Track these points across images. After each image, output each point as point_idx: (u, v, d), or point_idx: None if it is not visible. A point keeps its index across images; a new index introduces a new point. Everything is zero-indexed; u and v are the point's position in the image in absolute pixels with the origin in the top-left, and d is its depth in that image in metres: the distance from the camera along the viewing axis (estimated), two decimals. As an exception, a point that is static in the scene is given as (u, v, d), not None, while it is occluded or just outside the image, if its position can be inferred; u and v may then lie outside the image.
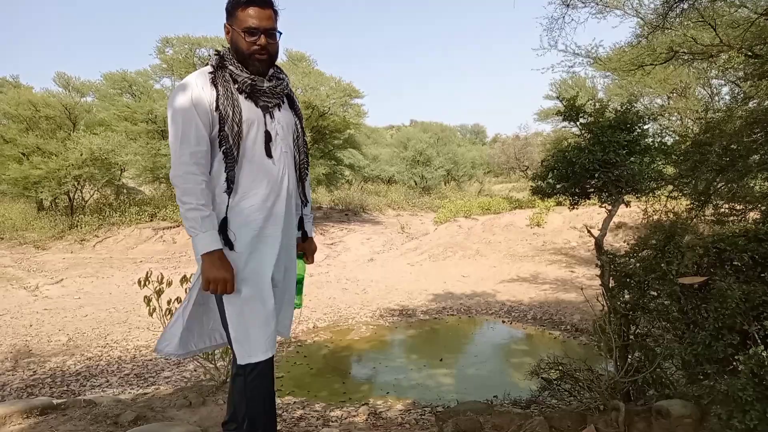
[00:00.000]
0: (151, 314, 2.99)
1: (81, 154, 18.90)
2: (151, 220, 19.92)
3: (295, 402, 6.53)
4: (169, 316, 3.00)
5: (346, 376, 7.83)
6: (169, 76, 20.37)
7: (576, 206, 4.54)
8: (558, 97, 16.33)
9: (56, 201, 21.44)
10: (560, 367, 3.97)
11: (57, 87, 22.80)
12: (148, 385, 7.25)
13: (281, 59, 17.22)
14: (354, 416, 6.08)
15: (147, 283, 2.98)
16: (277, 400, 5.85)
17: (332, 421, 5.93)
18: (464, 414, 2.68)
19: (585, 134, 4.20)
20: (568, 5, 7.05)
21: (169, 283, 3.12)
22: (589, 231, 3.81)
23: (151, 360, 8.23)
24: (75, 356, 8.40)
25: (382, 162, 33.03)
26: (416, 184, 31.15)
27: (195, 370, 7.58)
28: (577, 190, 4.29)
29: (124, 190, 24.75)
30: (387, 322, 10.40)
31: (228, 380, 3.03)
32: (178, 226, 19.17)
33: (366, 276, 14.50)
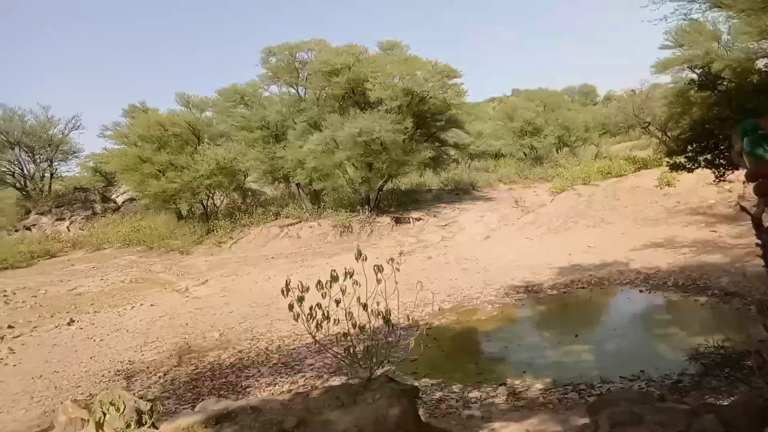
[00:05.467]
0: (296, 320, 3.27)
1: (209, 165, 20.64)
2: (276, 218, 21.33)
3: (432, 384, 6.73)
4: (312, 320, 3.27)
5: (478, 357, 7.90)
6: (276, 82, 21.51)
7: (723, 179, 4.18)
8: (677, 45, 14.92)
9: (192, 210, 23.65)
10: (722, 351, 3.65)
11: (178, 106, 25.04)
12: (294, 373, 7.83)
13: (372, 50, 17.24)
14: (493, 397, 6.14)
15: (288, 291, 3.26)
16: (415, 383, 6.11)
17: (472, 403, 6.04)
18: (619, 404, 2.58)
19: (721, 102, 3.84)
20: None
21: (307, 289, 3.38)
22: (743, 208, 3.49)
23: (294, 349, 8.86)
24: (228, 350, 9.25)
25: (486, 137, 32.30)
26: (526, 155, 30.10)
27: (335, 357, 8.05)
28: (722, 162, 3.96)
29: (249, 193, 26.66)
30: (513, 300, 10.27)
31: (372, 378, 3.24)
32: (299, 222, 20.34)
33: (485, 254, 14.40)
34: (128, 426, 3.27)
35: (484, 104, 43.37)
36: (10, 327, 11.87)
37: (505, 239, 16.19)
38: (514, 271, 12.28)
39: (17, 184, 29.41)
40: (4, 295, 14.41)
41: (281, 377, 7.71)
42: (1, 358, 9.95)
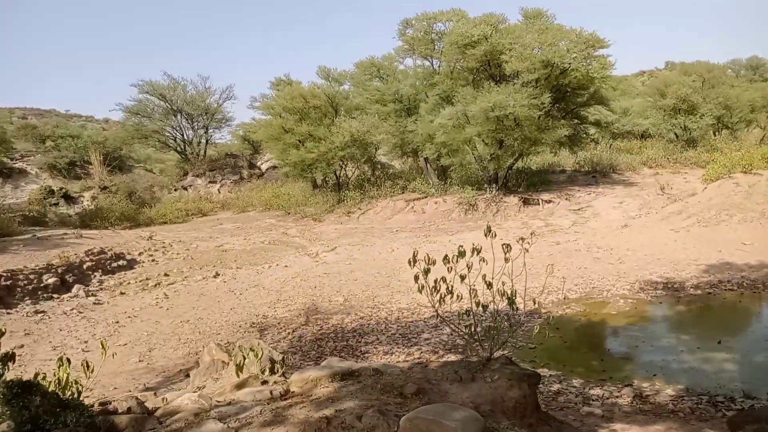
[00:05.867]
0: (420, 291, 3.31)
1: (343, 137, 21.45)
2: (402, 192, 21.69)
3: (551, 375, 6.49)
4: (436, 294, 3.29)
5: (604, 353, 7.45)
6: (411, 55, 21.56)
7: None
8: None
9: (326, 179, 24.87)
10: None
11: (319, 79, 26.22)
12: (410, 345, 8.00)
13: (515, 19, 16.37)
14: (617, 397, 5.76)
15: (415, 262, 3.30)
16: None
17: (593, 400, 5.73)
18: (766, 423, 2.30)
19: None
20: None
21: (433, 262, 3.39)
22: None
23: (412, 322, 9.05)
24: (350, 315, 9.68)
25: (633, 115, 29.74)
26: (677, 136, 27.29)
27: (450, 334, 8.10)
28: None
29: (379, 166, 27.36)
30: (648, 296, 9.50)
31: (492, 358, 3.20)
32: (425, 197, 20.49)
33: (620, 244, 13.44)
34: (263, 372, 3.57)
35: (633, 78, 39.95)
36: (166, 275, 13.47)
37: (645, 229, 14.95)
38: (653, 264, 11.32)
39: (178, 148, 33.06)
40: (163, 246, 16.33)
41: (398, 347, 7.91)
42: (158, 302, 11.35)
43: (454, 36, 18.32)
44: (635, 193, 18.93)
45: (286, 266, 13.88)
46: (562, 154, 24.08)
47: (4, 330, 3.81)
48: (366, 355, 7.70)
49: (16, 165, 28.28)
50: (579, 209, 17.90)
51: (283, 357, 4.10)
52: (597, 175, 22.08)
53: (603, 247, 13.24)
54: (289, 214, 22.51)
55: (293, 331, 8.97)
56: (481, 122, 17.35)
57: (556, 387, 6.09)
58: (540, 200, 18.78)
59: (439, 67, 20.86)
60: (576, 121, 20.54)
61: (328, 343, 8.29)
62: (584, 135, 21.59)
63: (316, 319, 9.54)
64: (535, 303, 3.69)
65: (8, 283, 11.40)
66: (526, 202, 18.84)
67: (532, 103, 16.69)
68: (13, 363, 3.50)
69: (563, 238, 14.69)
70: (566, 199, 18.82)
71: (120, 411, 2.93)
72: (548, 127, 17.96)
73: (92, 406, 3.08)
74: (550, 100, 17.46)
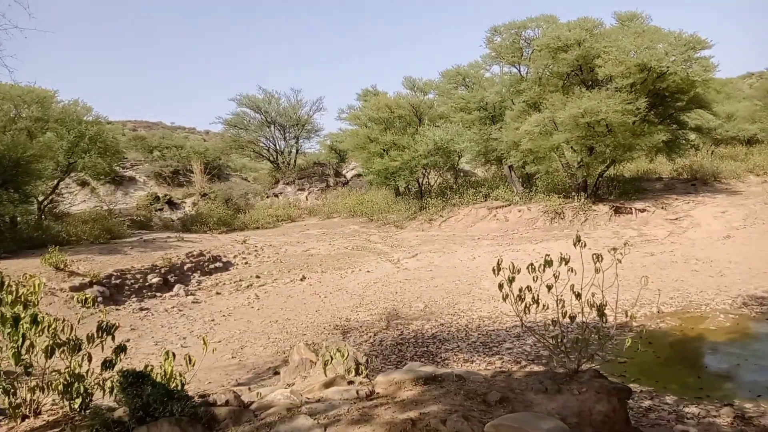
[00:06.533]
0: (504, 299, 3.30)
1: (427, 146, 21.57)
2: (485, 200, 21.41)
3: (641, 391, 6.16)
4: (521, 303, 3.26)
5: (700, 370, 6.95)
6: (498, 62, 21.32)
7: None
8: None
9: (408, 187, 25.08)
10: None
11: (405, 89, 26.56)
12: (491, 354, 7.88)
13: (609, 23, 15.76)
14: (714, 416, 5.37)
15: (499, 270, 3.30)
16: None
17: (687, 418, 5.38)
18: None
19: None
20: None
21: (518, 271, 3.37)
22: None
23: (493, 331, 8.90)
24: (430, 321, 9.67)
25: (738, 120, 27.57)
26: (790, 142, 25.04)
27: (534, 345, 7.90)
28: None
29: (461, 174, 27.20)
30: (753, 312, 8.74)
31: (579, 370, 3.12)
32: (509, 205, 20.10)
33: (722, 256, 12.47)
34: (348, 372, 3.70)
35: (739, 80, 37.00)
36: (257, 277, 14.16)
37: (750, 241, 13.77)
38: (759, 278, 10.40)
39: (270, 158, 34.75)
40: (255, 250, 17.18)
41: (478, 356, 7.81)
42: (250, 302, 11.96)
43: (546, 39, 17.88)
44: (739, 203, 17.50)
45: (368, 271, 14.14)
46: (659, 160, 22.73)
47: (118, 325, 4.23)
48: (446, 362, 7.67)
49: (127, 173, 30.89)
50: (676, 219, 16.81)
51: (367, 359, 4.22)
52: (697, 183, 20.65)
53: (702, 259, 12.36)
54: (372, 220, 22.92)
55: (374, 335, 9.12)
56: (570, 129, 16.78)
57: (647, 403, 5.77)
58: (633, 209, 17.84)
59: (526, 73, 20.46)
60: (674, 126, 19.34)
61: (408, 348, 8.34)
62: (683, 141, 20.23)
63: (396, 324, 9.63)
64: (627, 315, 3.56)
65: (118, 281, 12.51)
66: (617, 210, 17.96)
67: (626, 108, 15.93)
68: (125, 354, 3.89)
69: (658, 248, 13.87)
70: (662, 208, 17.74)
71: (219, 403, 3.16)
72: (644, 132, 17.04)
73: (193, 397, 3.34)
74: (646, 105, 16.59)
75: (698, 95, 18.48)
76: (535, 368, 6.89)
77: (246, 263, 15.66)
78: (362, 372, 3.73)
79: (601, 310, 3.40)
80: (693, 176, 21.22)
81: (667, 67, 16.05)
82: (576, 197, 18.76)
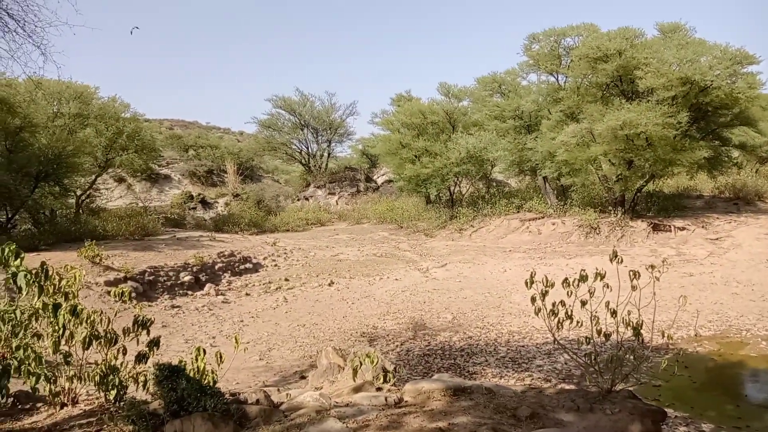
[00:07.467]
0: (536, 314, 3.24)
1: (459, 153, 21.46)
2: (518, 212, 21.15)
3: (677, 416, 5.97)
4: (553, 318, 3.20)
5: (740, 398, 6.70)
6: (535, 71, 21.08)
7: None
8: None
9: (440, 195, 24.98)
10: None
11: (439, 95, 26.53)
12: (521, 371, 7.75)
13: (651, 34, 15.35)
14: (756, 449, 5.20)
15: (532, 283, 3.25)
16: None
17: (726, 449, 5.21)
18: None
19: None
20: None
21: (552, 285, 3.31)
22: None
23: (523, 346, 8.76)
24: (458, 333, 9.57)
25: (787, 137, 26.69)
26: (842, 162, 24.04)
27: (566, 363, 7.75)
28: None
29: (494, 184, 26.97)
30: (799, 340, 8.44)
31: (612, 390, 3.05)
32: (542, 218, 19.81)
33: (765, 279, 12.00)
34: (376, 379, 3.70)
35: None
36: (286, 280, 14.28)
37: (797, 264, 13.26)
38: (808, 305, 10.01)
39: (302, 161, 35.12)
40: (284, 253, 17.35)
41: (507, 371, 7.69)
42: (279, 305, 12.07)
43: (585, 48, 17.59)
44: (787, 224, 16.86)
45: (396, 279, 14.11)
46: (700, 177, 22.07)
47: (153, 320, 4.32)
48: (474, 375, 7.57)
49: (162, 171, 31.65)
50: (717, 239, 16.28)
51: (395, 367, 4.20)
52: (739, 202, 19.98)
53: (743, 282, 11.94)
54: (401, 227, 22.89)
55: (401, 344, 9.08)
56: (608, 141, 16.45)
57: (682, 429, 5.59)
58: (672, 227, 17.36)
59: (564, 82, 20.18)
60: (717, 142, 18.78)
61: (436, 360, 8.28)
62: (726, 158, 19.62)
63: (423, 335, 9.57)
64: (664, 336, 3.46)
65: (151, 278, 12.79)
66: (655, 227, 17.51)
67: (667, 122, 15.54)
68: (158, 349, 3.97)
69: (697, 269, 13.46)
70: (702, 227, 17.22)
71: (250, 402, 3.19)
72: (685, 148, 16.58)
73: (225, 394, 3.39)
74: (687, 120, 16.16)
75: (743, 111, 17.90)
76: (567, 387, 6.75)
77: (275, 265, 15.82)
78: (390, 380, 3.72)
79: (637, 330, 3.32)
80: (735, 195, 20.55)
81: (711, 81, 15.62)
82: (612, 212, 18.37)
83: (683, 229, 17.15)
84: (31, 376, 3.32)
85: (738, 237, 16.13)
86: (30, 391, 3.52)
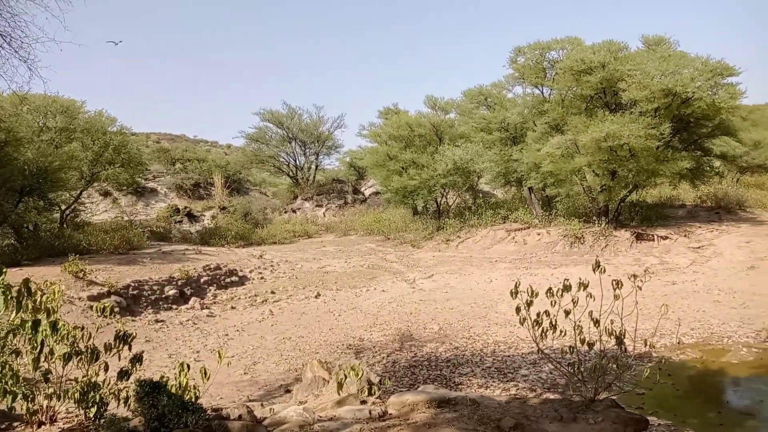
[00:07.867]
0: (521, 323, 3.26)
1: (446, 165, 21.59)
2: (504, 222, 21.28)
3: (660, 424, 6.01)
4: (538, 328, 3.23)
5: (721, 405, 6.75)
6: (521, 83, 21.34)
7: None
8: None
9: (426, 206, 25.06)
10: None
11: (426, 108, 26.72)
12: (507, 381, 7.75)
13: (635, 46, 15.64)
14: (738, 456, 5.25)
15: (517, 293, 3.27)
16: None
17: (709, 456, 5.25)
18: None
19: None
20: None
21: (536, 295, 3.34)
22: None
23: (509, 356, 8.77)
24: (445, 344, 9.55)
25: (765, 147, 27.19)
26: (820, 171, 24.59)
27: (550, 373, 7.77)
28: None
29: (480, 195, 27.13)
30: (780, 347, 8.55)
31: (596, 399, 3.06)
32: (528, 228, 19.94)
33: (745, 287, 12.18)
34: (360, 392, 3.68)
35: (766, 107, 36.48)
36: (272, 292, 14.20)
37: (777, 272, 13.46)
38: (786, 311, 10.15)
39: (290, 173, 35.08)
40: (271, 265, 17.26)
41: (493, 381, 7.69)
42: (265, 318, 11.97)
43: (569, 61, 17.87)
44: (765, 232, 17.13)
45: (383, 291, 14.09)
46: (682, 187, 22.42)
47: (135, 335, 4.26)
48: (460, 386, 7.57)
49: (149, 185, 31.41)
50: (699, 247, 16.50)
51: (380, 379, 4.19)
52: (721, 211, 20.29)
53: (725, 290, 12.09)
54: (388, 239, 22.90)
55: (387, 356, 9.04)
56: (592, 152, 16.67)
57: (666, 438, 5.63)
58: (655, 236, 17.57)
59: (549, 95, 20.45)
60: (699, 152, 19.11)
61: (422, 371, 8.26)
62: (708, 168, 19.97)
63: (410, 346, 9.54)
64: (646, 345, 3.49)
65: (135, 292, 12.64)
66: (639, 237, 17.71)
67: (650, 133, 15.80)
68: (141, 365, 3.91)
69: (680, 277, 13.61)
70: (685, 235, 17.44)
71: (232, 417, 3.16)
72: (667, 158, 16.85)
73: (207, 410, 3.35)
74: (670, 131, 16.44)
75: (724, 122, 18.26)
76: (551, 396, 6.76)
77: (262, 278, 15.72)
78: (375, 392, 3.70)
79: (620, 339, 3.35)
80: (717, 204, 20.88)
81: (693, 92, 15.93)
82: (597, 222, 18.56)
83: (666, 238, 17.36)
84: (8, 395, 3.26)
85: (720, 245, 16.36)
86: (6, 410, 3.45)
